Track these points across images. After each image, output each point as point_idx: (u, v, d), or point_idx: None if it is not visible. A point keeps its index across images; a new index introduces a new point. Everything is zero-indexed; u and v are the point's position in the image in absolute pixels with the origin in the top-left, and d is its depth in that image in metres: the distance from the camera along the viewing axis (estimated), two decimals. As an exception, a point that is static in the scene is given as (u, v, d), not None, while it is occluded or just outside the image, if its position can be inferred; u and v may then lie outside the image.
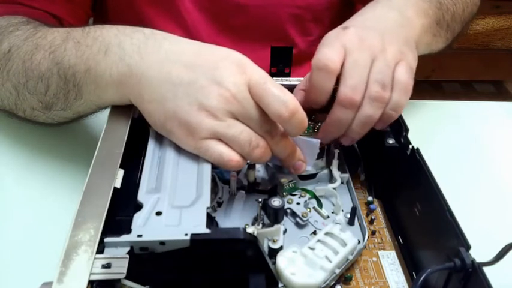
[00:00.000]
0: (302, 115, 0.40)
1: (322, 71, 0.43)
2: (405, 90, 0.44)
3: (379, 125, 0.45)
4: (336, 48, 0.44)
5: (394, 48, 0.45)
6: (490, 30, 1.81)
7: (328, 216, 0.45)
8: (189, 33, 0.68)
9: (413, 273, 0.42)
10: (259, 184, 0.48)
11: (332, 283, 0.39)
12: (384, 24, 0.49)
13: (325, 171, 0.49)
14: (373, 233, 0.46)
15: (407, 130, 0.45)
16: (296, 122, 0.40)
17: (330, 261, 0.38)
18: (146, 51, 0.41)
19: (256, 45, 0.69)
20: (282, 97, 0.39)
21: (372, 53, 0.44)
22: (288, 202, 0.46)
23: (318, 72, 0.43)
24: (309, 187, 0.48)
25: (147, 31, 0.43)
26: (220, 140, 0.40)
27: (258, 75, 0.40)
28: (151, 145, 0.43)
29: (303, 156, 0.45)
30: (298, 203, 0.46)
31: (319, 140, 0.45)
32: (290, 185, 0.47)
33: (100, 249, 0.32)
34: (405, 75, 0.44)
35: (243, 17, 0.69)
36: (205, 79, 0.40)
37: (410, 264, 0.42)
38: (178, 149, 0.42)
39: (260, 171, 0.49)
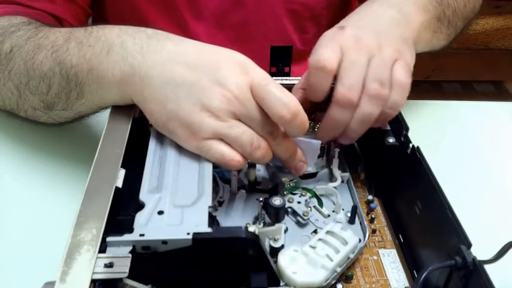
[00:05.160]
0: (303, 117, 0.40)
1: (319, 71, 0.43)
2: (403, 88, 0.44)
3: (377, 124, 0.45)
4: (332, 48, 0.44)
5: (390, 48, 0.45)
6: (490, 30, 1.81)
7: (329, 215, 0.46)
8: (187, 31, 0.68)
9: (414, 271, 0.42)
10: (260, 183, 0.48)
11: (333, 282, 0.39)
12: (380, 24, 0.48)
13: (326, 170, 0.49)
14: (373, 231, 0.46)
15: (407, 129, 0.45)
16: (297, 124, 0.40)
17: (331, 260, 0.38)
18: (149, 51, 0.42)
19: (254, 43, 0.69)
20: (283, 99, 0.39)
21: (368, 52, 0.44)
22: (288, 201, 0.46)
23: (316, 72, 0.43)
24: (309, 186, 0.48)
25: (150, 31, 0.43)
26: (222, 140, 0.40)
27: (260, 76, 0.40)
28: (152, 145, 0.43)
29: (304, 157, 0.45)
30: (299, 202, 0.46)
31: (319, 142, 0.45)
32: (291, 184, 0.47)
33: (102, 249, 0.32)
34: (403, 74, 0.44)
35: (241, 13, 0.69)
36: (208, 80, 0.40)
37: (411, 262, 0.42)
38: (179, 149, 0.42)
39: (261, 171, 0.49)
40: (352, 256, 0.40)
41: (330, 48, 0.44)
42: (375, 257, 0.43)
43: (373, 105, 0.43)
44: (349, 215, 0.45)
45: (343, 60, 0.43)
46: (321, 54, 0.43)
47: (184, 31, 0.68)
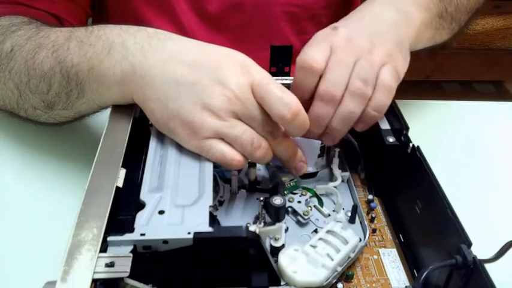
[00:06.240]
0: (304, 117, 0.40)
1: (306, 70, 0.43)
2: (388, 91, 0.44)
3: (360, 126, 0.45)
4: (322, 48, 0.44)
5: (381, 50, 0.45)
6: (490, 30, 1.81)
7: (329, 215, 0.46)
8: (186, 34, 0.68)
9: (414, 270, 0.42)
10: (260, 183, 0.48)
11: (334, 281, 0.39)
12: (378, 24, 0.48)
13: (326, 169, 0.50)
14: (373, 231, 0.46)
15: (407, 128, 0.45)
16: (298, 124, 0.40)
17: (332, 259, 0.38)
18: (150, 51, 0.42)
19: (253, 45, 0.69)
20: (284, 98, 0.39)
21: (357, 53, 0.44)
22: (289, 201, 0.46)
23: (302, 71, 0.44)
24: (309, 186, 0.48)
25: (151, 30, 0.43)
26: (222, 139, 0.40)
27: (261, 76, 0.40)
28: (152, 144, 0.43)
29: (304, 157, 0.45)
30: (299, 202, 0.46)
31: (320, 142, 0.45)
32: (291, 183, 0.47)
33: (103, 248, 0.32)
34: (388, 77, 0.44)
35: (239, 16, 0.69)
36: (209, 79, 0.40)
37: (411, 261, 0.42)
38: (180, 148, 0.42)
39: (261, 170, 0.49)
40: (352, 255, 0.40)
41: (319, 48, 0.44)
42: (376, 257, 0.43)
43: (355, 103, 0.43)
44: (349, 214, 0.45)
45: (330, 58, 0.44)
46: (309, 54, 0.43)
47: (184, 34, 0.68)
